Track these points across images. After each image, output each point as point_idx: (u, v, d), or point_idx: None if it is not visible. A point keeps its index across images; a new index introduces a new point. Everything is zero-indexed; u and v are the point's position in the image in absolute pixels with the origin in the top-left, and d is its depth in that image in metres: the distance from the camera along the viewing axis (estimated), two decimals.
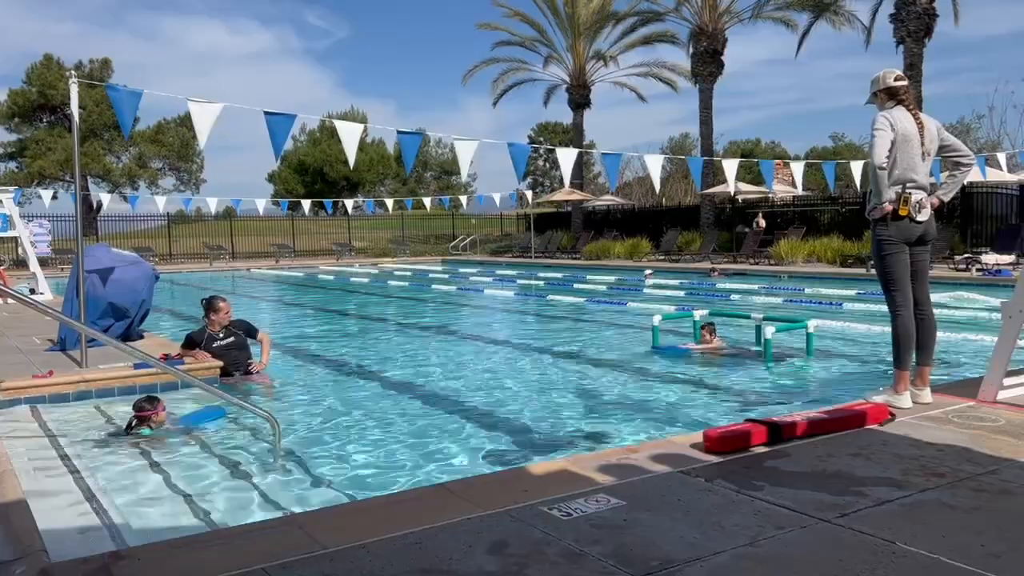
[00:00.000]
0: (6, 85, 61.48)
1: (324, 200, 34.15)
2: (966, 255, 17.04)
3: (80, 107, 6.62)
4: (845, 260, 19.43)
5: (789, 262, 20.30)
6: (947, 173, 4.88)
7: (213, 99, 6.43)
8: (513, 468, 4.15)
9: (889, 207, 4.49)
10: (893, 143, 4.44)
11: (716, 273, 18.80)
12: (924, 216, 4.55)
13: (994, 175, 17.55)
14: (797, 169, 12.30)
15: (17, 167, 43.23)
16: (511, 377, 7.22)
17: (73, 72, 7.24)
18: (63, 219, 30.53)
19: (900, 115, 4.53)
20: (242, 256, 33.23)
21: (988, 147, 31.36)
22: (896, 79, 4.63)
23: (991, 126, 45.70)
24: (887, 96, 4.62)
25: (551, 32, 32.20)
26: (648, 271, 19.39)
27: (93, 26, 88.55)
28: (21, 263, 22.75)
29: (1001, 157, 14.69)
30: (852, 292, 13.09)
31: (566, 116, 38.15)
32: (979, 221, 20.88)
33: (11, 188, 17.45)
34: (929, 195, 4.61)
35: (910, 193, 4.50)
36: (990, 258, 15.86)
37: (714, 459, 3.65)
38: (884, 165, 4.41)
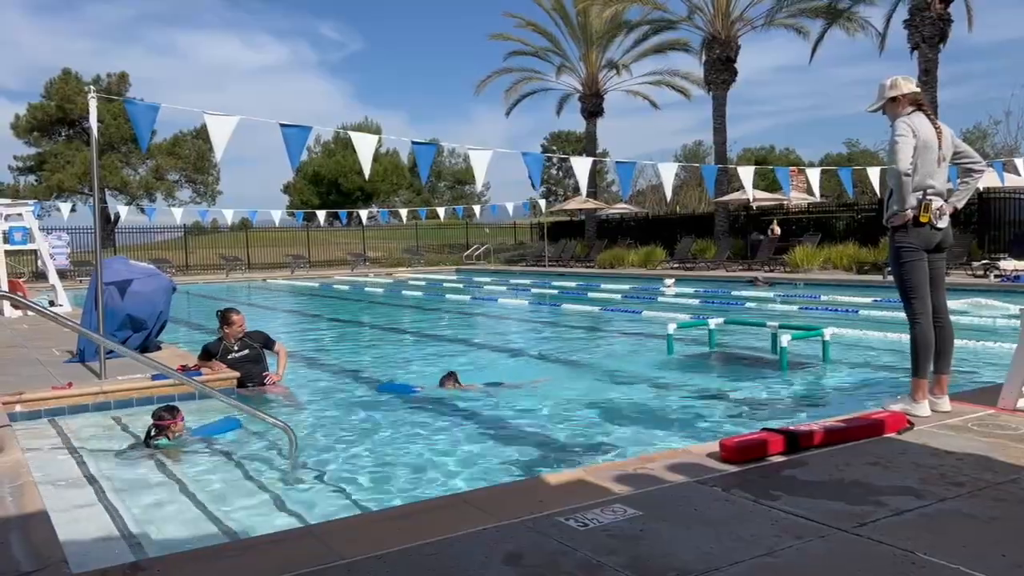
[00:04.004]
0: (25, 100, 62.27)
1: (339, 211, 34.32)
2: (984, 261, 16.86)
3: (98, 121, 6.69)
4: (861, 267, 19.27)
5: (804, 269, 20.17)
6: (960, 180, 4.87)
7: (229, 112, 6.49)
8: (529, 478, 4.15)
9: (911, 214, 4.48)
10: (915, 149, 4.43)
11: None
12: (944, 223, 4.54)
13: (1011, 181, 17.36)
14: (813, 176, 12.23)
15: (36, 180, 43.86)
16: (526, 386, 7.21)
17: (92, 87, 7.33)
18: (81, 232, 30.92)
19: (920, 121, 4.51)
20: (258, 267, 33.42)
21: (1005, 152, 31.12)
22: (916, 85, 4.66)
23: (1008, 131, 45.35)
24: (908, 102, 4.61)
25: (563, 42, 32.28)
26: (670, 280, 18.81)
27: (110, 42, 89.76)
28: (40, 275, 22.96)
29: (1019, 162, 14.49)
30: (868, 299, 13.00)
31: (579, 125, 38.12)
32: (997, 227, 20.68)
33: (30, 201, 17.68)
34: (945, 201, 4.61)
35: (931, 200, 4.48)
36: (1008, 264, 15.68)
37: (731, 468, 3.64)
38: (909, 172, 4.39)
